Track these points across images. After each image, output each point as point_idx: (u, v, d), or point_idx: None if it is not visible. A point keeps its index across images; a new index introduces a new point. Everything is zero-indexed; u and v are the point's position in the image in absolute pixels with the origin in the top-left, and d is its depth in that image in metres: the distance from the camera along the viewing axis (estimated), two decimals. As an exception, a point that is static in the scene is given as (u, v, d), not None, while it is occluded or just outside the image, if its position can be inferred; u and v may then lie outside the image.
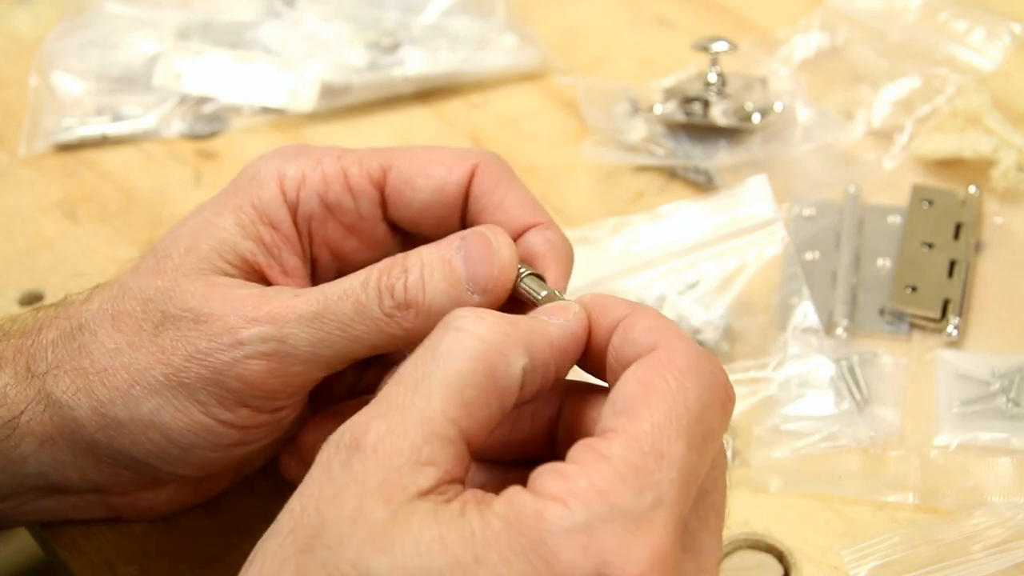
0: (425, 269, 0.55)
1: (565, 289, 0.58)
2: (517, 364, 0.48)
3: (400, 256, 0.56)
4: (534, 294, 0.55)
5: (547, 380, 0.51)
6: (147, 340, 0.56)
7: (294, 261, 0.60)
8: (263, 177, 0.59)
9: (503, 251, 0.55)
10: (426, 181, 0.59)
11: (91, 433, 0.56)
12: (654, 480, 0.44)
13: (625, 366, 0.49)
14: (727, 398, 0.48)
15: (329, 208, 0.60)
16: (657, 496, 0.44)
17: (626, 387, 0.47)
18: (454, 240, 0.56)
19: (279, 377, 0.55)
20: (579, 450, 0.46)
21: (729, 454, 0.67)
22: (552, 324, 0.51)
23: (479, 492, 0.46)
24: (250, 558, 0.46)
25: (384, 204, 0.60)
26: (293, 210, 0.59)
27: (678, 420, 0.46)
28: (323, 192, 0.59)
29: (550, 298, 0.55)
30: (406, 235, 0.62)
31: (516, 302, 0.56)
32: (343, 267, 0.62)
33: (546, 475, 0.45)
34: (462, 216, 0.60)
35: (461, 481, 0.47)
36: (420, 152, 0.60)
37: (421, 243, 0.62)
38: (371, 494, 0.44)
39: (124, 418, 0.56)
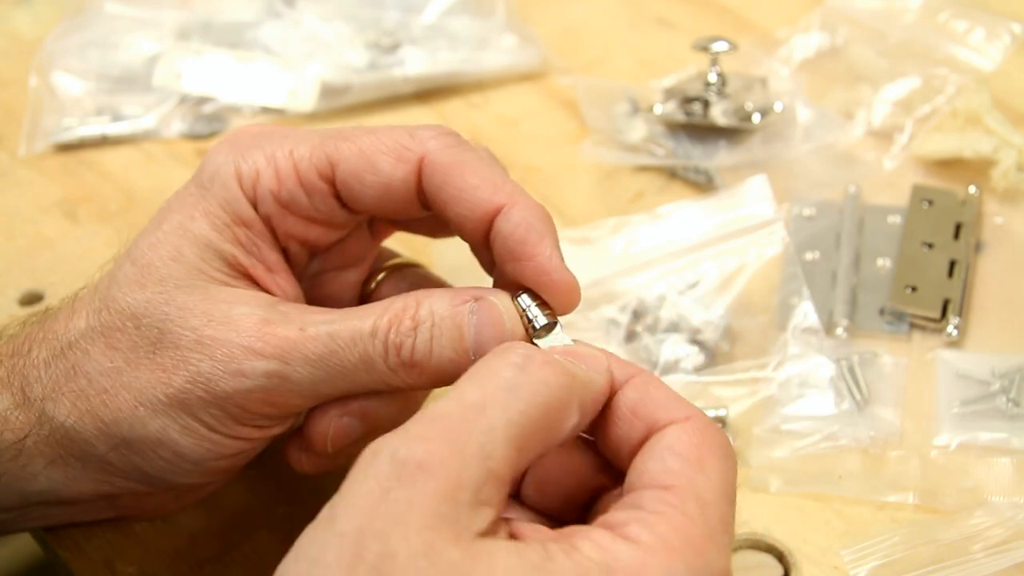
0: (435, 330, 0.54)
1: (560, 256, 0.55)
2: (573, 417, 0.49)
3: (412, 303, 0.54)
4: (533, 323, 0.55)
5: (580, 430, 0.51)
6: (144, 358, 0.55)
7: (274, 256, 0.59)
8: (223, 177, 0.58)
9: (515, 331, 0.55)
10: (373, 178, 0.56)
11: (103, 453, 0.56)
12: (724, 543, 0.47)
13: (646, 421, 0.50)
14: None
15: (284, 206, 0.58)
16: (727, 559, 0.47)
17: (678, 446, 0.49)
18: (468, 300, 0.54)
19: (279, 407, 0.55)
20: (652, 501, 0.47)
21: (729, 454, 0.67)
22: (596, 378, 0.51)
23: (543, 529, 0.47)
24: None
25: (338, 196, 0.58)
26: (255, 207, 0.58)
27: (727, 490, 0.49)
28: (276, 191, 0.57)
29: (549, 328, 0.55)
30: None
31: None
32: (314, 250, 0.61)
33: (634, 523, 0.46)
34: (422, 202, 0.57)
35: (506, 522, 0.47)
36: (366, 141, 0.57)
37: (385, 223, 0.62)
38: (438, 528, 0.43)
39: (132, 438, 0.55)
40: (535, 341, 0.55)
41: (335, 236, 0.61)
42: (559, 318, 0.56)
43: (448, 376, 0.54)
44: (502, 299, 0.55)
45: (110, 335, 0.56)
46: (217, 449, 0.56)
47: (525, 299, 0.55)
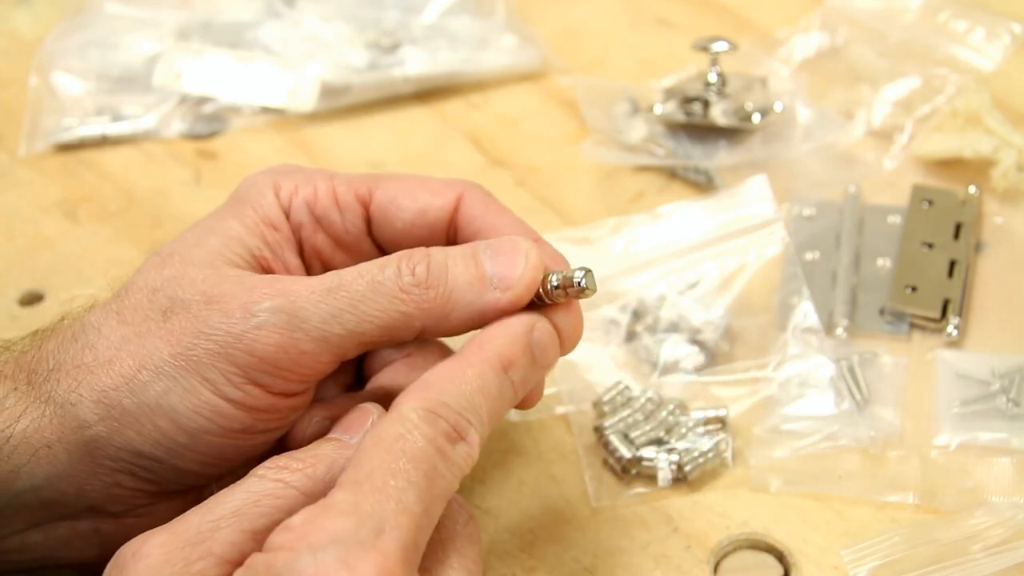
0: (450, 258, 0.56)
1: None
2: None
3: (421, 248, 0.57)
4: (569, 284, 0.56)
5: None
6: (155, 327, 0.55)
7: (296, 261, 0.62)
8: (260, 186, 0.61)
9: (531, 253, 0.56)
10: (411, 203, 0.61)
11: (92, 427, 0.55)
12: (374, 511, 0.48)
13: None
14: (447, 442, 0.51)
15: (317, 219, 0.62)
16: (378, 524, 0.47)
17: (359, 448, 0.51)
18: (479, 243, 0.57)
19: (289, 353, 0.55)
20: (308, 508, 0.49)
21: (729, 454, 0.67)
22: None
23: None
24: None
25: (369, 221, 0.62)
26: (287, 216, 0.61)
27: (396, 462, 0.49)
28: (312, 203, 0.61)
29: (585, 286, 0.56)
30: None
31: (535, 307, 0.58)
32: None
33: (274, 532, 0.48)
34: (447, 243, 0.62)
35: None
36: (408, 179, 0.62)
37: None
38: None
39: (129, 405, 0.55)
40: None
41: None
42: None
43: (463, 310, 0.55)
44: (515, 236, 0.58)
45: (123, 312, 0.57)
46: (217, 418, 0.55)
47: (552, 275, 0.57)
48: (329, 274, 0.56)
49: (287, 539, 0.47)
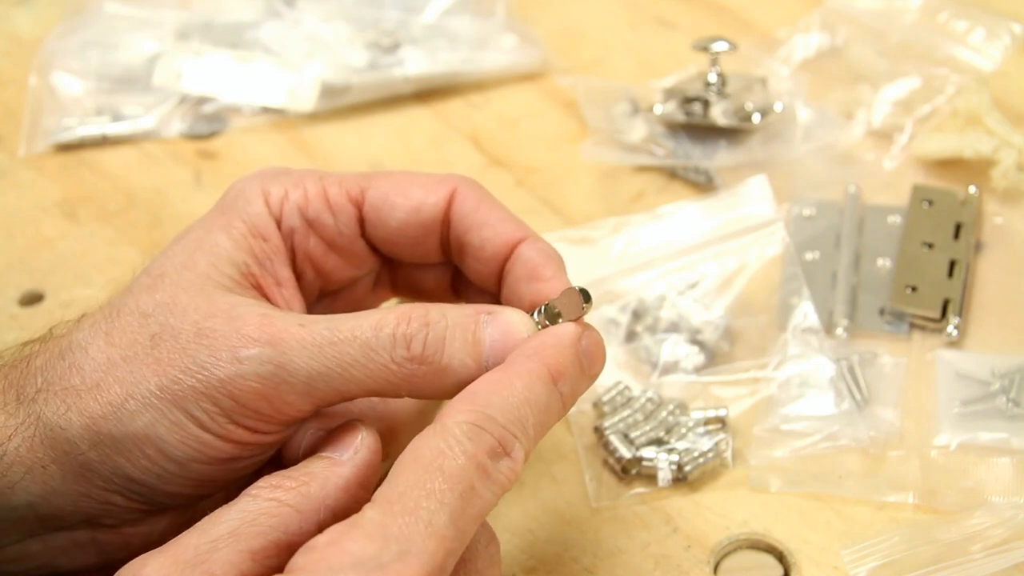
0: (449, 331, 0.55)
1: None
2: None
3: (420, 307, 0.55)
4: (556, 318, 0.57)
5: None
6: (143, 352, 0.55)
7: (286, 272, 0.60)
8: (249, 194, 0.60)
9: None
10: (404, 201, 0.61)
11: (84, 452, 0.55)
12: (401, 533, 0.47)
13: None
14: (485, 463, 0.51)
15: (310, 223, 0.61)
16: (404, 547, 0.47)
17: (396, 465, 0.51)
18: (480, 312, 0.56)
19: (271, 402, 0.54)
20: (335, 527, 0.48)
21: (729, 454, 0.67)
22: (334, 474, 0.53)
23: None
24: None
25: (362, 222, 0.62)
26: (278, 223, 0.60)
27: (432, 481, 0.49)
28: (304, 207, 0.61)
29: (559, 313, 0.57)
30: (386, 256, 0.64)
31: None
32: (325, 285, 0.63)
33: (298, 553, 0.48)
34: (441, 239, 0.62)
35: None
36: (400, 175, 0.62)
37: (400, 264, 0.64)
38: None
39: (118, 434, 0.54)
40: None
41: (349, 272, 0.63)
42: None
43: (452, 383, 0.54)
44: (515, 311, 0.56)
45: (111, 333, 0.56)
46: (204, 449, 0.55)
47: (536, 314, 0.57)
48: (320, 326, 0.54)
49: (309, 560, 0.47)
